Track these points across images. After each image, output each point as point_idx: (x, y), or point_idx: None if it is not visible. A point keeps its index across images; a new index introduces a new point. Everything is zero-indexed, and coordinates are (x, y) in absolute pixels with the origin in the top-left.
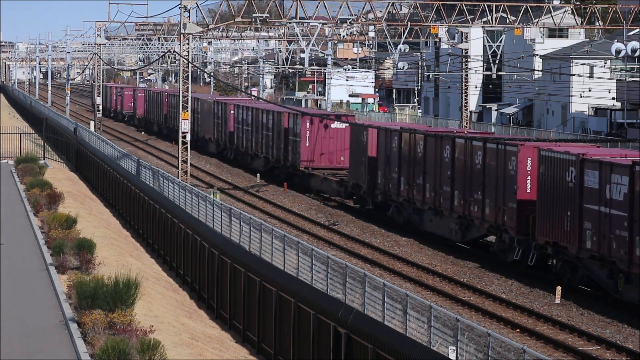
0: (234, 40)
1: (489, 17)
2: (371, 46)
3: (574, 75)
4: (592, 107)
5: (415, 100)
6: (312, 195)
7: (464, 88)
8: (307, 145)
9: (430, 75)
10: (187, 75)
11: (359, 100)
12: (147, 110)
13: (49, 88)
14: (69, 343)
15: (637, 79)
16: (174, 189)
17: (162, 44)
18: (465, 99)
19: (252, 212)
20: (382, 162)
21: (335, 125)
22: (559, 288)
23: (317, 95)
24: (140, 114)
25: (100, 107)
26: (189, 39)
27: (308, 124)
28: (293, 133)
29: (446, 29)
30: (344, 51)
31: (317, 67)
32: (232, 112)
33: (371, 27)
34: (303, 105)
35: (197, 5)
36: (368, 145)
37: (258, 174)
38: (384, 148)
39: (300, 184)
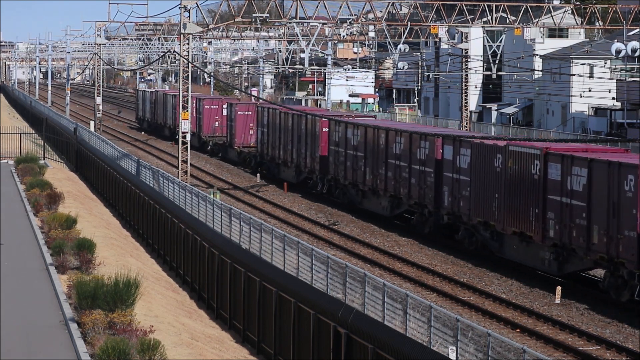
0: (234, 40)
1: (489, 17)
2: (371, 46)
3: (574, 75)
4: (592, 107)
5: (416, 100)
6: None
7: (464, 88)
8: None
9: (430, 75)
10: (187, 75)
11: (359, 100)
12: (267, 142)
13: (49, 88)
14: (69, 343)
15: (637, 79)
16: (174, 189)
17: (162, 44)
18: (465, 99)
19: (252, 212)
20: None
21: None
22: (559, 288)
23: (317, 95)
24: (248, 144)
25: (101, 108)
26: (189, 39)
27: None
28: None
29: (446, 29)
30: (344, 51)
31: (317, 67)
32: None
33: (371, 27)
34: (303, 105)
35: (197, 5)
36: None
37: (258, 174)
38: None
39: None
